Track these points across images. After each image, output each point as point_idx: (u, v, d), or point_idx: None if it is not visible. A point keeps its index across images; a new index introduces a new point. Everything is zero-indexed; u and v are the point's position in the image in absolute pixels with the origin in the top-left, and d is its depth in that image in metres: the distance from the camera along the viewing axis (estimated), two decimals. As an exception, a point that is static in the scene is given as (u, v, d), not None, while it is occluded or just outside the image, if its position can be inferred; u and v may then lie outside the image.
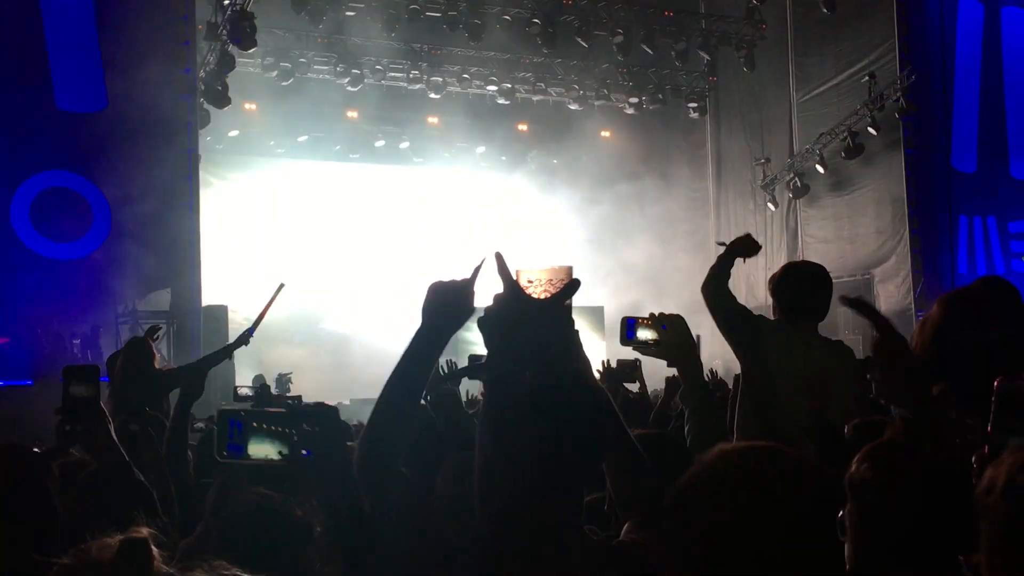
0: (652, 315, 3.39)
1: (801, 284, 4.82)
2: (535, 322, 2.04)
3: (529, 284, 2.09)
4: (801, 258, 20.09)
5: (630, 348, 3.49)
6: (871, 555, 2.08)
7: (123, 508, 2.57)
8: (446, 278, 2.48)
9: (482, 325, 2.08)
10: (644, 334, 3.39)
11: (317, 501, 2.59)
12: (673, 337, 3.34)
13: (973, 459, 1.92)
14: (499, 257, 2.07)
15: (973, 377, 2.44)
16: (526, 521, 2.02)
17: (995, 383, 2.36)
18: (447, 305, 2.43)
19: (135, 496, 2.71)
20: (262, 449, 2.37)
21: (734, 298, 4.88)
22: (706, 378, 4.75)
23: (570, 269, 2.12)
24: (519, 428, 2.01)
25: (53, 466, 2.56)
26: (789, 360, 4.60)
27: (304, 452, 2.36)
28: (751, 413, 4.63)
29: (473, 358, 4.80)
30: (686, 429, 3.36)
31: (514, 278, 2.06)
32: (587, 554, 2.11)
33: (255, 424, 2.37)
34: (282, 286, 8.35)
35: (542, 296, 2.08)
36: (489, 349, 2.05)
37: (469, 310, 2.45)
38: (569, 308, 2.12)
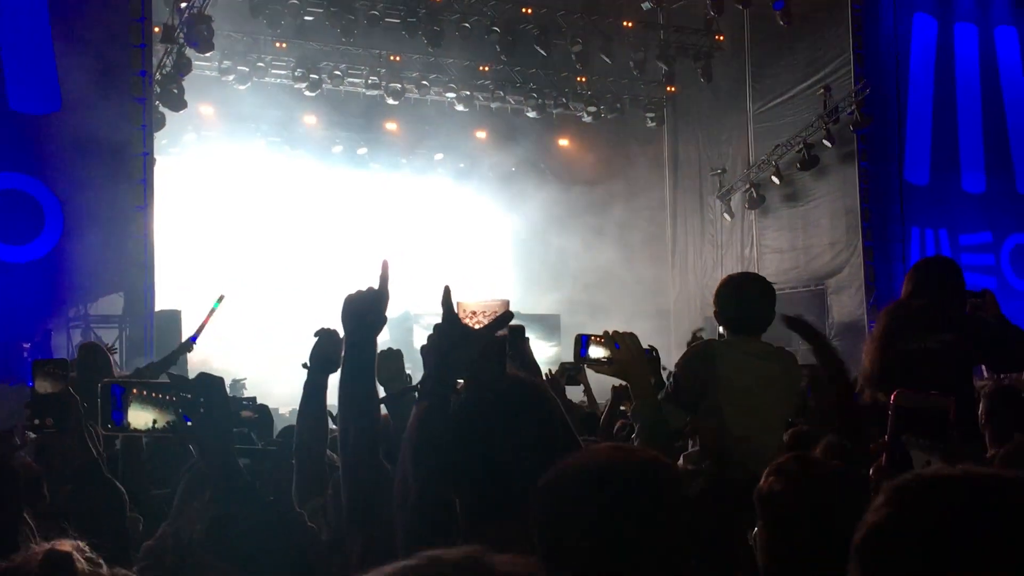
0: (606, 333, 3.46)
1: (742, 296, 4.89)
2: (467, 347, 2.15)
3: (471, 316, 2.20)
4: (756, 268, 20.33)
5: (583, 365, 3.57)
6: (780, 566, 2.14)
7: (94, 504, 2.62)
8: (361, 288, 2.59)
9: (422, 351, 2.20)
10: (597, 352, 3.46)
11: (204, 469, 2.61)
12: (625, 355, 3.41)
13: (871, 471, 2.00)
14: (446, 290, 2.19)
15: (917, 388, 2.53)
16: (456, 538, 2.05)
17: (891, 396, 2.46)
18: (360, 316, 2.60)
19: (106, 494, 2.75)
20: (142, 417, 2.37)
21: (673, 400, 4.73)
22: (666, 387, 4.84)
23: (507, 302, 2.24)
24: (444, 447, 2.08)
25: (40, 472, 2.61)
26: (737, 378, 4.65)
27: (186, 420, 2.38)
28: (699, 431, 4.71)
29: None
30: (636, 439, 3.44)
31: (453, 310, 2.18)
32: None
33: (135, 391, 2.37)
34: (222, 297, 8.42)
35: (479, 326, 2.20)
36: (426, 372, 2.17)
37: (381, 319, 2.62)
38: (503, 338, 2.23)
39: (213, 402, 2.37)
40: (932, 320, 5.17)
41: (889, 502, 1.46)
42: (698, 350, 4.92)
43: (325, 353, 3.69)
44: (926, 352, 5.08)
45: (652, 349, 6.88)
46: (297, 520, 2.44)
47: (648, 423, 3.42)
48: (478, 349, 2.15)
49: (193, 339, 8.11)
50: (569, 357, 5.20)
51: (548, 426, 2.15)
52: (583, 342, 3.51)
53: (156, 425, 2.38)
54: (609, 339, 3.45)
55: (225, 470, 2.37)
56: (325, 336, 3.77)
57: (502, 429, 2.09)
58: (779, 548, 2.11)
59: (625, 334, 3.42)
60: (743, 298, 4.85)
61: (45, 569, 1.59)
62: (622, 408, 6.81)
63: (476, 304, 2.20)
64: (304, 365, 3.88)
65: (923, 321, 5.17)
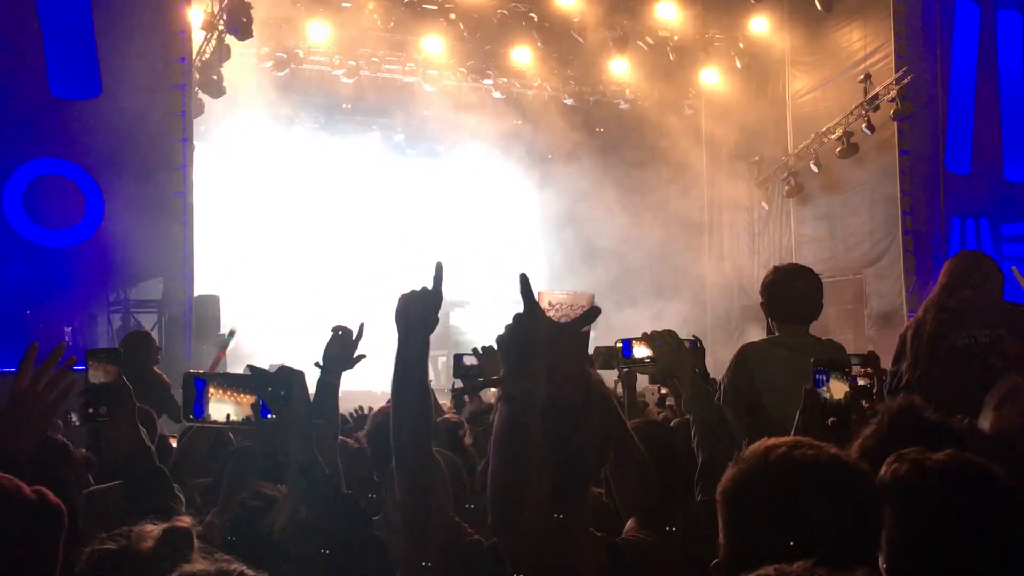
0: (645, 334, 3.49)
1: (790, 288, 4.87)
2: (552, 344, 2.09)
3: (551, 308, 2.16)
4: (793, 257, 20.22)
5: (624, 369, 3.59)
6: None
7: (144, 494, 2.66)
8: (416, 287, 2.62)
9: (500, 344, 2.14)
10: (640, 352, 3.49)
11: (285, 463, 2.66)
12: (667, 352, 3.43)
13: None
14: (524, 278, 2.12)
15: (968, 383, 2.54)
16: (537, 524, 2.07)
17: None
18: (415, 316, 2.63)
19: (155, 482, 2.79)
20: (222, 410, 2.42)
21: (721, 408, 4.77)
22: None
23: (592, 296, 2.20)
24: (533, 444, 2.07)
25: (93, 462, 2.64)
26: (776, 376, 4.62)
27: (264, 414, 2.41)
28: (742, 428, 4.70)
29: (457, 358, 4.85)
30: (693, 436, 3.45)
31: (536, 300, 2.11)
32: (593, 552, 2.20)
33: (216, 384, 2.41)
34: (233, 332, 8.48)
35: (562, 320, 2.14)
36: (506, 367, 2.10)
37: (434, 320, 2.68)
38: (587, 334, 2.18)
39: (294, 395, 2.41)
40: (980, 315, 5.14)
41: None
42: (742, 355, 4.90)
43: (339, 352, 3.81)
44: (978, 347, 5.06)
45: (696, 340, 6.86)
46: (366, 513, 2.48)
47: (702, 414, 3.43)
48: (566, 347, 2.06)
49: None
50: (602, 342, 5.19)
51: (611, 420, 2.21)
52: (625, 345, 3.53)
53: (232, 418, 2.43)
54: (649, 338, 3.47)
55: (306, 463, 2.41)
56: (340, 336, 3.87)
57: (579, 424, 2.09)
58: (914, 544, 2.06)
59: (664, 332, 3.45)
60: (791, 289, 4.83)
61: (167, 545, 1.62)
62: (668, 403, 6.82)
63: (557, 295, 2.16)
64: (316, 364, 3.94)
65: (972, 316, 5.14)
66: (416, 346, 2.50)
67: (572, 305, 2.15)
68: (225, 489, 3.62)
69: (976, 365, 4.98)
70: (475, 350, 4.30)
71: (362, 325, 3.73)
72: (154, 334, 13.16)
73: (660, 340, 3.43)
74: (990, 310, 5.21)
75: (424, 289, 2.63)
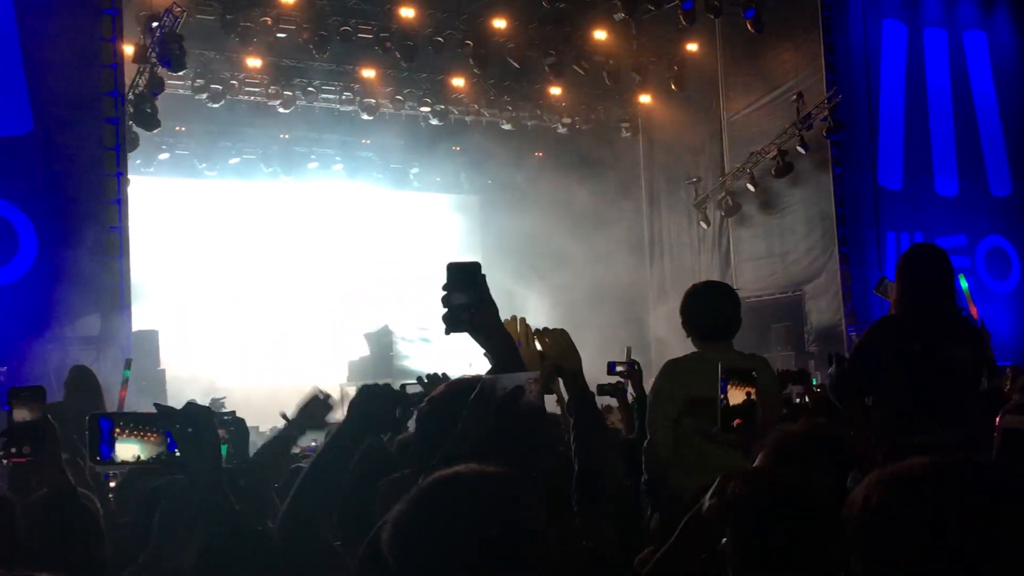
0: (538, 331, 3.50)
1: (706, 305, 4.92)
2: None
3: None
4: (733, 275, 20.39)
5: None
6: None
7: (69, 533, 2.58)
8: (379, 382, 2.59)
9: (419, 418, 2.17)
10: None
11: (193, 498, 2.61)
12: (556, 350, 3.43)
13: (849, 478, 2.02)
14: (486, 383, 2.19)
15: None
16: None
17: (997, 418, 2.58)
18: (370, 415, 2.55)
19: (82, 523, 2.72)
20: (129, 450, 2.36)
21: (663, 427, 4.87)
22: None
23: (535, 379, 2.22)
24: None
25: (14, 503, 2.57)
26: (700, 390, 4.64)
27: (172, 451, 2.37)
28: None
29: (401, 389, 4.81)
30: (571, 442, 3.44)
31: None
32: None
33: (122, 424, 2.36)
34: (129, 362, 8.43)
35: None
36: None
37: (393, 425, 2.61)
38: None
39: (201, 432, 2.35)
40: (956, 330, 5.23)
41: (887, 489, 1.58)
42: (666, 370, 4.94)
43: (317, 415, 3.82)
44: (956, 363, 5.13)
45: (633, 362, 6.89)
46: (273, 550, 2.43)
47: (583, 419, 3.42)
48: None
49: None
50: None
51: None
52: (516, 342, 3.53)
53: (142, 457, 2.37)
54: (540, 335, 3.47)
55: (215, 500, 2.35)
56: (323, 400, 3.88)
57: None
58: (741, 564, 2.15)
59: (555, 330, 3.46)
60: (709, 306, 4.89)
61: None
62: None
63: (502, 381, 2.16)
64: (283, 416, 3.92)
65: (947, 330, 5.20)
66: (346, 439, 2.45)
67: (505, 388, 2.16)
68: (157, 528, 3.54)
69: (955, 379, 5.17)
70: (419, 379, 4.28)
71: (343, 391, 3.72)
72: (93, 370, 12.94)
73: (550, 337, 3.43)
74: (963, 325, 5.40)
75: (387, 385, 2.54)
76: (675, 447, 4.78)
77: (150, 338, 15.28)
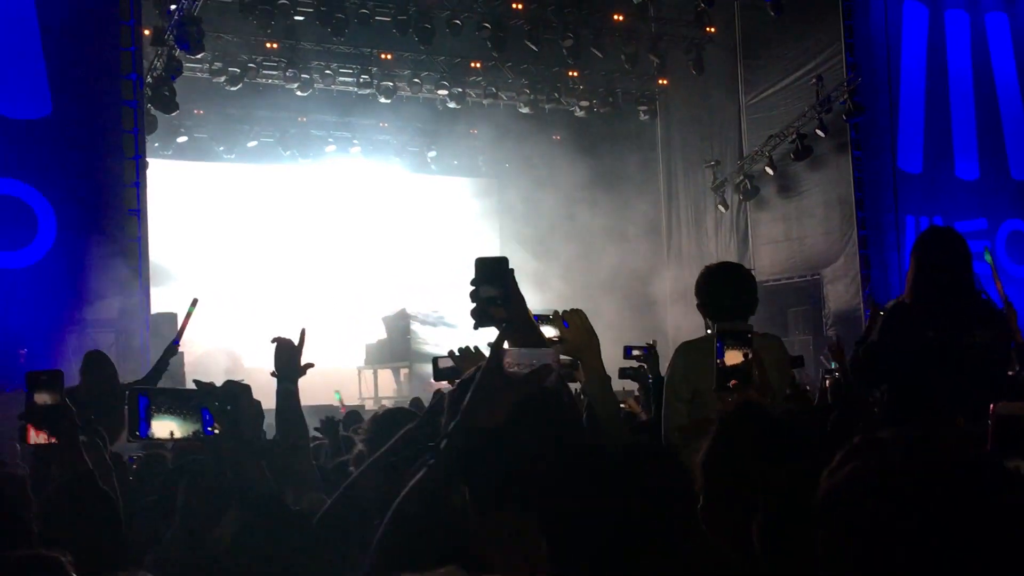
0: (555, 312, 3.48)
1: (720, 286, 4.90)
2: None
3: (512, 366, 2.15)
4: (751, 259, 20.32)
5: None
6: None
7: (88, 518, 2.59)
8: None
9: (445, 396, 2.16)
10: (546, 331, 3.47)
11: (230, 479, 2.60)
12: (574, 334, 3.41)
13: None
14: (501, 335, 2.19)
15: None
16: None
17: (991, 407, 2.55)
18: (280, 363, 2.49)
19: (100, 506, 2.72)
20: (165, 427, 2.35)
21: (677, 410, 4.86)
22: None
23: (555, 353, 2.21)
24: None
25: (26, 483, 2.58)
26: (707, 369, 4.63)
27: (207, 430, 2.35)
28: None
29: (434, 362, 4.79)
30: (587, 415, 3.44)
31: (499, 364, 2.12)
32: None
33: (160, 401, 2.35)
34: (196, 301, 8.63)
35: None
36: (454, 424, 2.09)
37: (297, 367, 2.83)
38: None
39: (240, 410, 2.34)
40: (975, 314, 5.16)
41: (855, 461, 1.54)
42: (680, 351, 4.94)
43: (286, 362, 3.80)
44: (976, 349, 5.08)
45: (650, 346, 6.87)
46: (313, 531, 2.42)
47: (600, 401, 3.41)
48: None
49: (176, 342, 8.45)
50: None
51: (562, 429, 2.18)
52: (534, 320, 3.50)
53: (177, 435, 2.37)
54: (557, 318, 3.45)
55: (252, 480, 2.34)
56: (281, 346, 3.85)
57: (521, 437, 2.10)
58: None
59: (573, 312, 3.44)
60: (723, 286, 4.87)
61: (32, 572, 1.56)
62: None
63: (521, 355, 2.15)
64: (272, 374, 3.92)
65: (964, 315, 5.14)
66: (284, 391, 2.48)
67: (532, 364, 2.14)
68: (182, 507, 3.55)
69: (976, 365, 5.07)
70: (451, 352, 4.26)
71: (303, 332, 3.68)
72: (111, 353, 13.00)
73: (568, 320, 3.40)
74: (983, 310, 5.33)
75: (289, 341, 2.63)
76: (688, 429, 4.77)
77: (168, 321, 15.31)
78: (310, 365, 3.93)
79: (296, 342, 3.93)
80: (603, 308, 18.79)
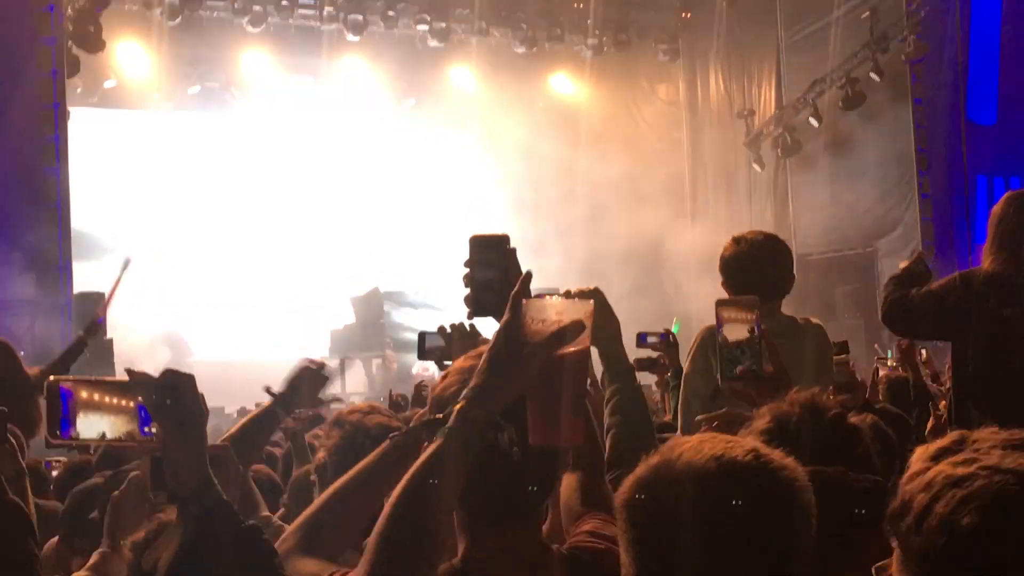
0: (567, 292, 3.46)
1: (749, 262, 4.89)
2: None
3: (535, 322, 2.14)
4: (792, 227, 20.32)
5: None
6: None
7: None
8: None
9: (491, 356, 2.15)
10: None
11: (165, 493, 2.58)
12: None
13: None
14: (525, 280, 2.19)
15: None
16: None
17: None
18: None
19: (9, 521, 2.70)
20: (93, 425, 2.31)
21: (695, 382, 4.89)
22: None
23: (589, 309, 2.20)
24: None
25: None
26: None
27: (145, 430, 2.32)
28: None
29: (421, 338, 4.79)
30: (605, 419, 3.43)
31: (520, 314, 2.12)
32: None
33: (85, 394, 2.31)
34: (128, 262, 8.52)
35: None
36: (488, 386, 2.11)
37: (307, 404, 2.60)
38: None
39: (183, 406, 2.31)
40: None
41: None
42: (701, 339, 4.93)
43: (310, 390, 3.85)
44: None
45: (668, 333, 6.88)
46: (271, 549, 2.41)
47: (621, 391, 3.39)
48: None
49: (100, 320, 8.25)
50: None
51: None
52: None
53: (109, 435, 2.34)
54: (569, 297, 3.43)
55: (197, 488, 2.32)
56: (316, 371, 3.88)
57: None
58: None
59: (589, 291, 3.41)
60: (753, 261, 4.85)
61: None
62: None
63: (551, 306, 2.15)
64: (267, 390, 3.91)
65: None
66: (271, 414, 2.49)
67: (558, 320, 2.13)
68: (110, 520, 3.56)
69: None
70: (442, 328, 4.22)
71: (343, 362, 3.71)
72: (26, 341, 12.98)
73: (582, 298, 3.38)
74: None
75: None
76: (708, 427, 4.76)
77: (95, 301, 15.26)
78: (337, 399, 3.98)
79: (331, 371, 3.98)
80: (612, 283, 18.78)
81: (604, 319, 3.32)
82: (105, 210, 19.35)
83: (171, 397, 2.31)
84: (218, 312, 20.70)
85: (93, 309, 14.37)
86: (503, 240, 2.53)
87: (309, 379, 4.01)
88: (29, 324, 13.88)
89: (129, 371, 2.39)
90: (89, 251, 16.77)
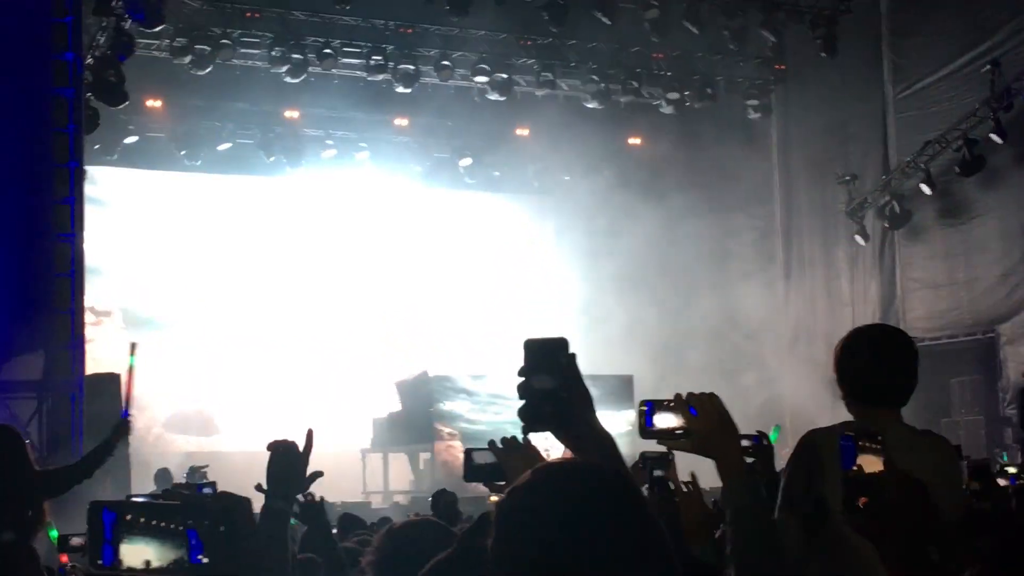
0: (678, 396, 3.46)
1: (872, 360, 4.84)
2: None
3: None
4: (901, 311, 20.17)
5: (653, 441, 3.56)
6: None
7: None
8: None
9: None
10: (667, 421, 3.46)
11: None
12: (705, 424, 3.39)
13: None
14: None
15: None
16: None
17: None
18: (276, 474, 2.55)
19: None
20: (138, 553, 2.34)
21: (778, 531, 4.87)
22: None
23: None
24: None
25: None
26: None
27: (195, 558, 2.35)
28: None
29: (467, 455, 4.83)
30: (728, 544, 3.42)
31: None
32: None
33: (130, 518, 2.34)
34: (134, 346, 8.59)
35: None
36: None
37: (299, 480, 2.83)
38: None
39: (238, 532, 2.36)
40: None
41: None
42: (806, 442, 4.89)
43: (285, 472, 3.82)
44: None
45: (761, 435, 6.84)
46: None
47: (742, 511, 3.39)
48: None
49: (125, 414, 8.27)
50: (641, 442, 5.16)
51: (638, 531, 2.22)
52: (647, 410, 3.50)
53: (155, 563, 2.37)
54: (682, 403, 3.43)
55: None
56: (282, 452, 3.86)
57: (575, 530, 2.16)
58: None
59: (704, 396, 3.41)
60: (878, 360, 4.82)
61: None
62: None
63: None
64: (258, 488, 3.93)
65: None
66: (270, 510, 2.51)
67: None
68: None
69: None
70: (492, 443, 4.25)
71: (310, 433, 3.68)
72: (33, 426, 13.11)
73: (696, 407, 3.39)
74: None
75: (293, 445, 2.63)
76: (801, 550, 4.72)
77: (110, 384, 15.37)
78: (318, 474, 3.98)
79: (301, 446, 3.96)
80: (695, 380, 18.74)
81: (719, 430, 3.34)
82: (123, 280, 19.57)
83: (224, 523, 2.35)
84: (250, 398, 20.80)
85: (108, 398, 14.54)
86: (562, 344, 2.57)
87: (283, 463, 3.98)
88: (36, 408, 14.00)
89: (179, 493, 2.45)
90: (105, 328, 16.96)
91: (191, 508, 2.36)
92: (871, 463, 3.06)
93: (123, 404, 8.38)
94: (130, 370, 8.49)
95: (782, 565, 3.36)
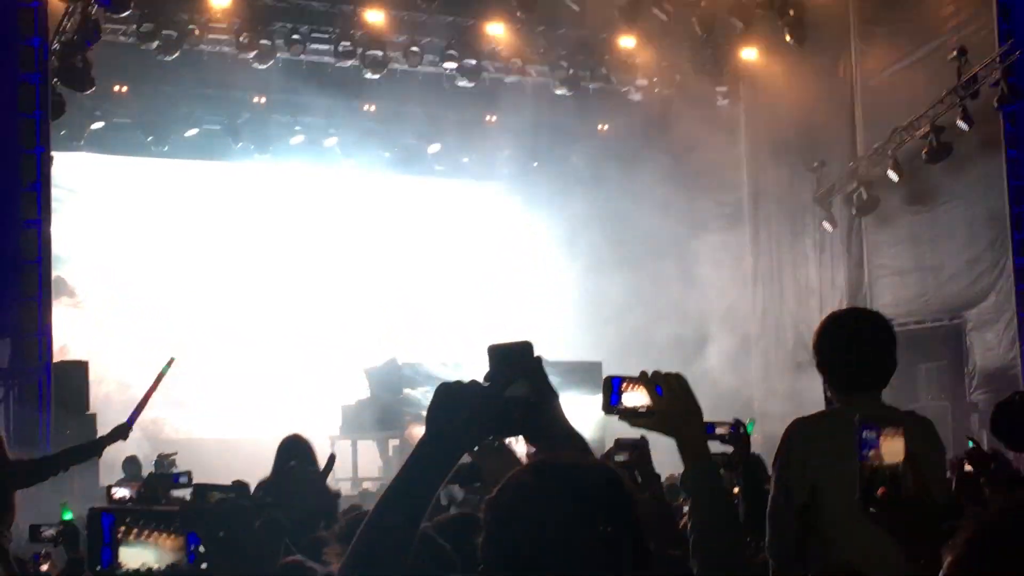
0: (643, 374, 3.45)
1: (851, 344, 4.88)
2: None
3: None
4: (868, 296, 20.25)
5: (615, 417, 3.55)
6: None
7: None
8: (460, 379, 2.51)
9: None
10: (633, 399, 3.44)
11: None
12: (671, 403, 3.39)
13: None
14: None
15: None
16: None
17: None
18: (456, 418, 2.50)
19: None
20: (137, 556, 2.36)
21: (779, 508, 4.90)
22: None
23: None
24: None
25: None
26: (841, 464, 4.61)
27: (194, 560, 2.37)
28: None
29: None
30: (688, 523, 3.44)
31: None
32: None
33: (128, 521, 2.36)
34: (172, 360, 8.52)
35: None
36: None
37: (487, 426, 2.56)
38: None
39: (237, 537, 2.38)
40: None
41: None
42: (791, 432, 4.91)
43: (445, 414, 3.48)
44: None
45: (738, 424, 6.88)
46: None
47: (702, 494, 3.40)
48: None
49: (131, 422, 8.23)
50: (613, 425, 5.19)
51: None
52: (614, 387, 3.47)
53: (154, 567, 2.39)
54: (649, 382, 3.42)
55: None
56: (444, 392, 3.62)
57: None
58: None
59: (670, 375, 3.41)
60: (854, 345, 4.84)
61: None
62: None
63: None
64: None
65: None
66: (435, 452, 2.41)
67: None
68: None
69: None
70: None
71: (332, 457, 3.70)
72: (-1, 414, 13.08)
73: (662, 385, 3.39)
74: None
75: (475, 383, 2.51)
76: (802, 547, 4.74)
77: (77, 372, 15.38)
78: (332, 459, 4.00)
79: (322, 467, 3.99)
80: (659, 356, 18.81)
81: (684, 409, 3.35)
82: (90, 268, 19.50)
83: (224, 528, 2.37)
84: (217, 385, 20.77)
85: (76, 383, 14.52)
86: (526, 348, 2.56)
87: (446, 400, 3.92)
88: (3, 395, 13.97)
89: (182, 500, 2.48)
90: (71, 315, 16.90)
91: (190, 514, 2.38)
92: (891, 451, 3.03)
93: (133, 412, 8.30)
94: (158, 378, 8.43)
95: (741, 548, 3.39)
